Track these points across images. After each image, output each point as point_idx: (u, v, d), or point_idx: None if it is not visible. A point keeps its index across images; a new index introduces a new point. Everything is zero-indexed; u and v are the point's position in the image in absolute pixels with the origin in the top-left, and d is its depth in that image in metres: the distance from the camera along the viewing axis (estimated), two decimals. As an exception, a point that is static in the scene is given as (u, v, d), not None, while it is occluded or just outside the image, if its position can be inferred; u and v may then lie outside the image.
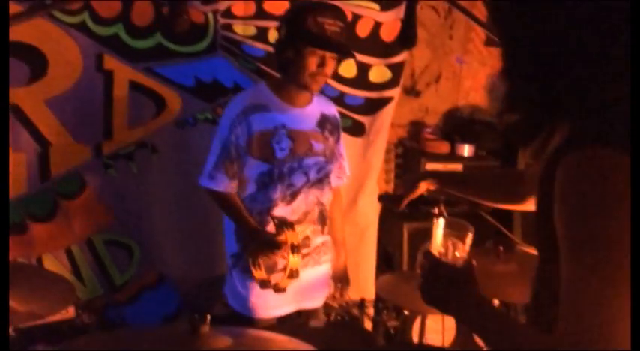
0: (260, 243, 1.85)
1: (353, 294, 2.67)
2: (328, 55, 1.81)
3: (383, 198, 1.87)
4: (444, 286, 1.01)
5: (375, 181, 2.86)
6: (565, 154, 0.83)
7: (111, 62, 2.22)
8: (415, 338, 2.44)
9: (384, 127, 2.78)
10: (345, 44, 1.85)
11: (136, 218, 2.42)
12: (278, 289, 1.91)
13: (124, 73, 2.24)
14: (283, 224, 1.85)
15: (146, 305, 2.48)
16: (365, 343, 1.86)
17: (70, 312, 2.28)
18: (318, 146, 1.95)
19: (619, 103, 0.85)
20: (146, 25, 2.22)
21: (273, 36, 2.34)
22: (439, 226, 1.15)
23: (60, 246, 2.31)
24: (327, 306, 2.61)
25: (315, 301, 2.11)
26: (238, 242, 1.97)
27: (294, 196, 1.93)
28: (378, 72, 2.69)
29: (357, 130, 2.75)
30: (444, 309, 1.02)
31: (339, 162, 2.10)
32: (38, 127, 2.18)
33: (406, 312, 2.54)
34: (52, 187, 2.25)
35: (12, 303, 1.31)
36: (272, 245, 1.82)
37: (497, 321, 0.93)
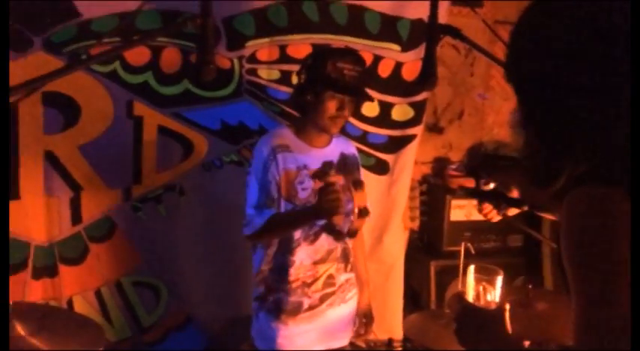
0: (321, 210, 1.79)
1: (380, 333, 2.64)
2: (347, 98, 1.86)
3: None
4: (478, 330, 1.05)
5: (400, 219, 2.85)
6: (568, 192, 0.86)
7: (141, 108, 2.30)
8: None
9: (408, 164, 2.79)
10: (362, 88, 1.90)
11: (164, 260, 2.45)
12: (353, 232, 1.93)
13: (153, 118, 2.32)
14: (321, 174, 1.89)
15: (173, 346, 2.49)
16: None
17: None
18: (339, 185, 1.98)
19: (622, 141, 0.88)
20: (174, 72, 2.31)
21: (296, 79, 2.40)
22: (470, 271, 1.19)
23: (90, 288, 2.35)
24: (354, 345, 2.58)
25: (342, 341, 2.10)
26: (262, 285, 1.98)
27: (317, 235, 1.94)
28: (401, 111, 2.72)
29: (380, 168, 2.76)
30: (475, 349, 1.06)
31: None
32: (71, 172, 2.25)
33: (435, 353, 2.50)
34: (84, 231, 2.31)
35: (43, 347, 1.34)
36: (331, 200, 1.75)
37: None
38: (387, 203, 2.77)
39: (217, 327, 2.54)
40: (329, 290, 1.98)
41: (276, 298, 1.95)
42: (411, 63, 2.64)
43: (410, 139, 2.76)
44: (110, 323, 2.40)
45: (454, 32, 1.59)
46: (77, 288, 2.32)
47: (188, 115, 2.38)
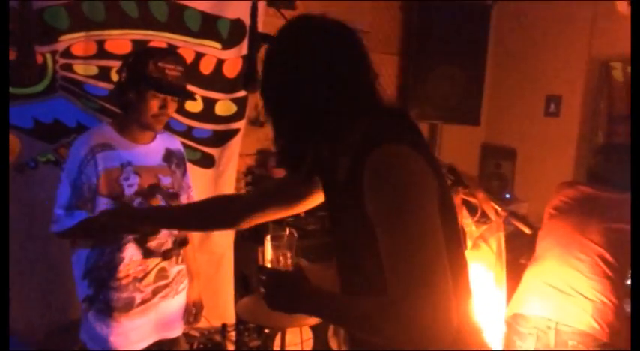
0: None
1: (214, 320, 2.74)
2: (169, 97, 1.91)
3: None
4: (283, 290, 1.17)
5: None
6: (367, 154, 1.06)
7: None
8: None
9: (233, 157, 2.91)
10: (184, 87, 1.96)
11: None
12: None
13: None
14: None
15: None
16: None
17: None
18: (166, 180, 2.03)
19: (385, 115, 1.16)
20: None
21: (115, 75, 2.36)
22: (267, 241, 1.30)
23: None
24: (189, 336, 2.65)
25: (176, 331, 2.16)
26: (90, 285, 1.96)
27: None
28: (224, 106, 2.82)
29: (206, 161, 2.85)
30: (289, 309, 1.17)
31: (188, 193, 2.17)
32: None
33: (266, 330, 2.68)
34: None
35: None
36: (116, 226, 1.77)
37: (335, 302, 1.11)
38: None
39: (42, 336, 2.41)
40: (162, 283, 2.02)
41: (107, 297, 1.94)
42: (232, 60, 2.76)
43: (234, 133, 2.88)
44: None
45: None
46: None
47: (-4, 114, 2.20)
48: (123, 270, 1.93)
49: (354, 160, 1.10)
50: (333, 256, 1.30)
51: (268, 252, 1.28)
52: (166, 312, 2.07)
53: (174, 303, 2.11)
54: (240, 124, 2.90)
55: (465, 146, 4.42)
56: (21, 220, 2.29)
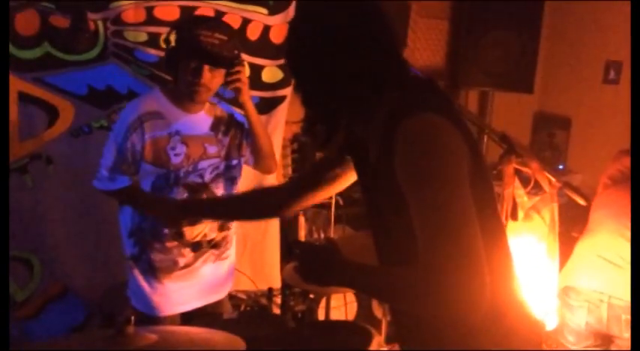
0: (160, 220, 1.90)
1: (261, 284, 2.80)
2: (206, 67, 1.86)
3: None
4: (315, 264, 1.19)
5: (274, 177, 2.99)
6: (398, 122, 1.05)
7: (-4, 74, 2.16)
8: (321, 317, 2.63)
9: (280, 124, 2.92)
10: (221, 55, 1.86)
11: (35, 232, 2.36)
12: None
13: (12, 84, 2.19)
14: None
15: (52, 318, 2.44)
16: (276, 327, 2.01)
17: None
18: (212, 149, 2.03)
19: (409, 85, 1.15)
20: (32, 34, 2.18)
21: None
22: (301, 216, 1.32)
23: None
24: (236, 298, 2.72)
25: (219, 295, 2.17)
26: (136, 244, 2.00)
27: (196, 194, 1.98)
28: (270, 73, 2.82)
29: (253, 129, 2.86)
30: (322, 282, 1.19)
31: (239, 160, 2.14)
32: None
33: (311, 295, 2.73)
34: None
35: None
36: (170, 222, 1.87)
37: (366, 274, 1.11)
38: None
39: (97, 294, 2.52)
40: (204, 249, 2.04)
41: (150, 257, 1.97)
42: (278, 26, 2.74)
43: (280, 100, 2.88)
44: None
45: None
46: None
47: (50, 80, 2.28)
48: (167, 234, 1.96)
49: (385, 133, 1.10)
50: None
51: (302, 227, 1.31)
52: (209, 277, 2.09)
53: (219, 268, 2.12)
54: (287, 91, 2.89)
55: (516, 115, 4.27)
56: (74, 183, 2.38)
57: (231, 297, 2.77)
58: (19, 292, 2.38)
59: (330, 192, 1.52)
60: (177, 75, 1.91)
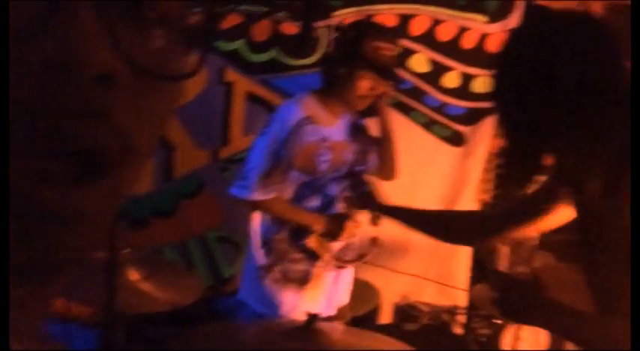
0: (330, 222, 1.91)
1: (444, 299, 2.73)
2: (379, 78, 1.81)
3: None
4: (517, 299, 1.11)
5: (474, 191, 2.88)
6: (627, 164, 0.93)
7: (231, 75, 2.42)
8: (506, 346, 2.46)
9: (486, 137, 2.80)
10: (394, 71, 1.85)
11: (247, 217, 2.60)
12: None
13: (242, 85, 2.44)
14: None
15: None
16: (456, 347, 1.92)
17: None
18: (348, 155, 1.99)
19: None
20: (264, 40, 2.41)
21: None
22: (503, 246, 1.21)
23: (177, 240, 2.55)
24: (416, 309, 2.68)
25: (342, 303, 2.10)
26: (269, 254, 1.95)
27: (329, 205, 1.96)
28: (482, 82, 2.71)
29: (455, 139, 2.79)
30: (522, 320, 1.19)
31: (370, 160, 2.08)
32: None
33: (499, 321, 2.56)
34: (175, 187, 2.49)
35: (153, 290, 1.51)
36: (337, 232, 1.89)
37: (572, 318, 1.03)
38: (459, 175, 2.80)
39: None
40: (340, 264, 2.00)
41: (284, 267, 1.94)
42: (497, 34, 2.62)
43: (489, 111, 2.75)
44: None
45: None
46: (166, 239, 2.53)
47: (275, 83, 2.49)
48: (304, 244, 1.93)
49: (611, 169, 0.99)
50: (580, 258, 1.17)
51: (505, 256, 1.23)
52: (338, 285, 2.06)
53: (345, 276, 2.08)
54: (497, 103, 2.75)
55: None
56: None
57: (411, 307, 2.74)
58: (227, 269, 2.65)
59: (539, 228, 1.34)
60: (339, 81, 1.86)
